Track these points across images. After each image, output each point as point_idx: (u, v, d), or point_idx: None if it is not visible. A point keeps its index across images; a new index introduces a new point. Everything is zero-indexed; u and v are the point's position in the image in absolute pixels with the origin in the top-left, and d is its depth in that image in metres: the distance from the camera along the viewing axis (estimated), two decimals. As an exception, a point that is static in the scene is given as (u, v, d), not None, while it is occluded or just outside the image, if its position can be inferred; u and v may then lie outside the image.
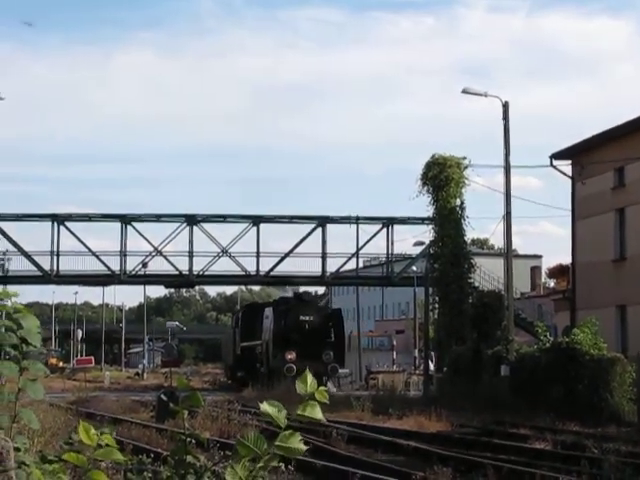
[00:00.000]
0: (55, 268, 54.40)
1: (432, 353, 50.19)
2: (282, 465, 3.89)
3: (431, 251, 50.33)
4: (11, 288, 5.01)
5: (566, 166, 45.15)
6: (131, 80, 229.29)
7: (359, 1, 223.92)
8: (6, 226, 55.04)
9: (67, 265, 54.92)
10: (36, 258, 54.46)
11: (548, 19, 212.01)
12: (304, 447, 3.72)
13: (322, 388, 3.71)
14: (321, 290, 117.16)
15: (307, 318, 53.52)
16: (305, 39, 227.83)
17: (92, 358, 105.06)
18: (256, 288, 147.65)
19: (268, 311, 56.67)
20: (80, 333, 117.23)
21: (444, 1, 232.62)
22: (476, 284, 49.83)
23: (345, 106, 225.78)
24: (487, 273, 52.91)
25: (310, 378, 3.73)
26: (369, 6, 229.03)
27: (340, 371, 54.25)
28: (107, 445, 4.18)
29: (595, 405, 31.98)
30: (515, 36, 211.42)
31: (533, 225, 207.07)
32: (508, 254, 41.54)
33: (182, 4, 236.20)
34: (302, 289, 63.51)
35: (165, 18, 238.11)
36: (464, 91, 41.29)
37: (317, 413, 3.66)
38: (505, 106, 40.53)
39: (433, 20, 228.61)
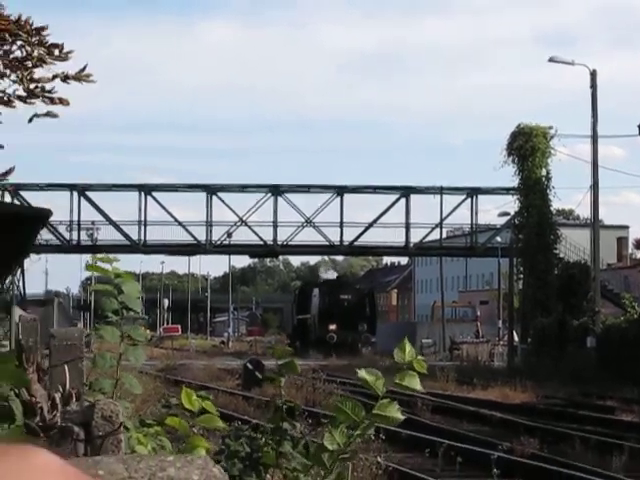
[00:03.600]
0: (142, 238, 55.13)
1: (517, 324, 49.93)
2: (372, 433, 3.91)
3: (516, 222, 50.07)
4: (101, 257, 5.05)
5: None
6: (216, 51, 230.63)
7: None
8: (95, 196, 55.92)
9: (154, 235, 55.66)
10: (124, 228, 55.26)
11: None
12: (401, 416, 3.70)
13: (420, 358, 3.70)
14: (404, 260, 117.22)
15: (345, 297, 65.84)
16: (387, 9, 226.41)
17: (179, 326, 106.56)
18: (339, 258, 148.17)
19: (315, 291, 68.74)
20: (167, 302, 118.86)
21: None
22: (561, 255, 49.36)
23: (426, 76, 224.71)
24: (572, 244, 52.35)
25: (409, 347, 3.70)
26: None
27: (424, 341, 56.52)
28: (207, 412, 4.22)
29: None
30: (600, 4, 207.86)
31: (617, 195, 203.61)
32: (595, 224, 41.05)
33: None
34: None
35: None
36: (551, 60, 40.80)
37: (415, 383, 3.64)
38: (593, 74, 39.98)
39: None
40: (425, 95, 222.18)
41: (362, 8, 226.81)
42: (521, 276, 49.44)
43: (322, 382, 28.51)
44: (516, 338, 48.93)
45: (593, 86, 39.98)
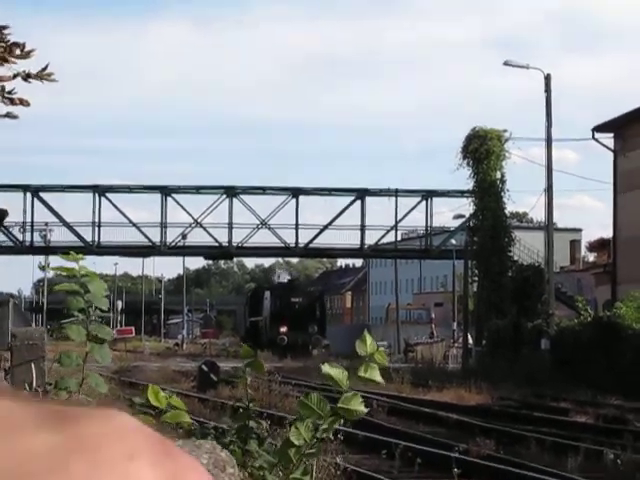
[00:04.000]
0: (96, 239, 54.76)
1: (471, 326, 50.14)
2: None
3: (471, 224, 50.28)
4: (54, 258, 5.01)
5: (608, 139, 44.79)
6: (166, 52, 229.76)
7: None
8: (48, 197, 55.46)
9: (108, 236, 55.30)
10: (78, 229, 54.86)
11: None
12: (365, 409, 3.71)
13: (381, 349, 3.71)
14: (359, 263, 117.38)
15: (296, 300, 67.47)
16: (337, 10, 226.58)
17: (132, 329, 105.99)
18: (294, 260, 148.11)
19: (267, 293, 70.56)
20: (120, 304, 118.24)
21: None
22: (516, 258, 49.61)
23: (379, 79, 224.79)
24: (526, 247, 52.64)
25: (370, 339, 3.71)
26: None
27: (378, 343, 56.44)
28: (175, 408, 4.19)
29: (637, 380, 31.78)
30: (551, 8, 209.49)
31: (571, 198, 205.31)
32: (549, 227, 41.37)
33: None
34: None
35: None
36: (506, 63, 41.07)
37: (376, 375, 3.66)
38: (547, 78, 40.28)
39: None
40: (376, 98, 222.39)
41: (308, 9, 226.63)
42: (476, 278, 49.65)
43: (278, 384, 28.47)
44: (470, 340, 49.14)
45: (547, 90, 40.28)
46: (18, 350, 4.84)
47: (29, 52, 8.42)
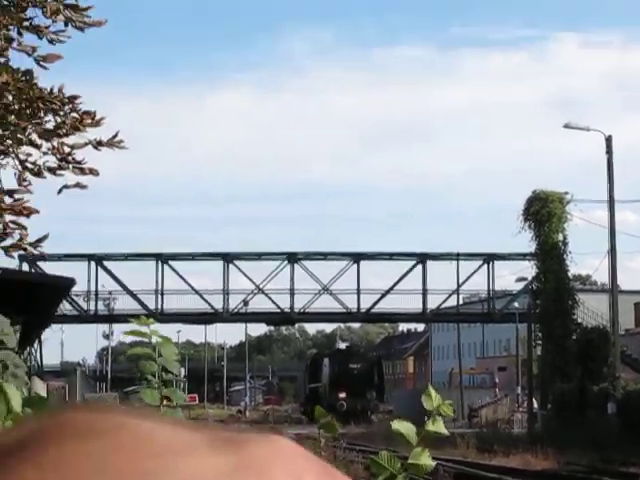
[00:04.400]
0: (159, 307, 55.27)
1: (536, 390, 49.68)
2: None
3: (533, 287, 50.04)
4: (118, 326, 5.05)
5: None
6: (228, 121, 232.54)
7: (448, 38, 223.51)
8: (112, 266, 56.19)
9: (171, 304, 55.80)
10: (141, 297, 55.46)
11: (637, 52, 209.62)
12: (433, 463, 3.76)
13: (447, 402, 3.75)
14: (421, 327, 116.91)
15: (355, 366, 68.46)
16: (396, 76, 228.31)
17: (196, 396, 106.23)
18: (356, 325, 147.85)
19: (326, 360, 71.73)
20: (183, 371, 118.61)
21: (535, 37, 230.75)
22: (579, 320, 49.21)
23: (437, 143, 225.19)
24: (590, 309, 52.20)
25: (434, 393, 3.76)
26: (458, 43, 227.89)
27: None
28: None
29: None
30: (609, 70, 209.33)
31: (633, 260, 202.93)
32: (613, 289, 41.04)
33: (274, 46, 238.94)
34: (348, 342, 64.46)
35: (258, 60, 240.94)
36: (566, 126, 41.12)
37: (442, 428, 3.70)
38: (608, 140, 40.21)
39: (524, 55, 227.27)
40: (436, 161, 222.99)
41: (372, 77, 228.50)
42: (539, 342, 49.28)
43: (342, 450, 28.38)
44: (535, 404, 48.67)
45: (609, 152, 40.20)
46: None
47: (99, 120, 8.72)
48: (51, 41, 8.60)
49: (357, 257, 56.87)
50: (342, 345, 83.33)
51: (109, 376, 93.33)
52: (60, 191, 8.33)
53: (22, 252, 8.61)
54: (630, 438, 33.99)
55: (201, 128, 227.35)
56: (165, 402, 4.82)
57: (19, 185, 8.30)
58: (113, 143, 8.23)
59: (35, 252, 8.55)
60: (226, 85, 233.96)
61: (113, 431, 0.55)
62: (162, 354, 4.72)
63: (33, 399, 5.66)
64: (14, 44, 8.64)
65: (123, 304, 56.01)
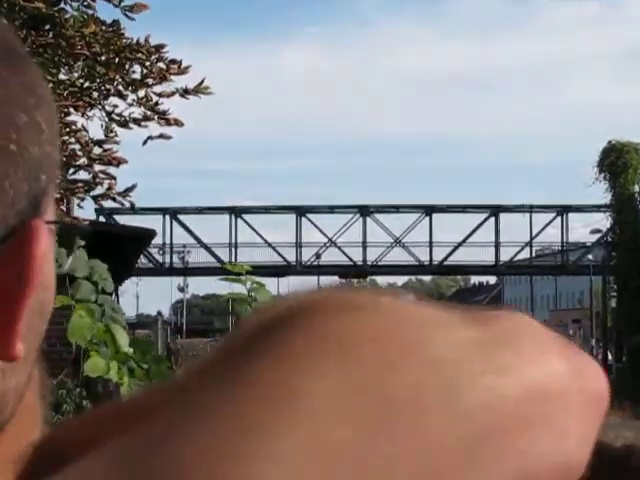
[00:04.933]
0: (233, 260, 55.63)
1: (610, 343, 49.45)
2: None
3: (608, 239, 49.64)
4: (192, 279, 5.16)
5: None
6: (297, 75, 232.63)
7: None
8: (186, 219, 56.71)
9: (244, 257, 56.10)
10: (215, 250, 55.91)
11: None
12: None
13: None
14: (493, 280, 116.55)
15: None
16: (466, 29, 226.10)
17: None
18: (427, 278, 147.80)
19: None
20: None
21: None
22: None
23: (508, 96, 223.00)
24: None
25: None
26: None
27: None
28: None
29: None
30: None
31: None
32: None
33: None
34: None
35: (328, 14, 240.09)
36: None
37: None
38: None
39: (597, 6, 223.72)
40: (510, 114, 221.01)
41: (441, 30, 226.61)
42: (614, 294, 48.97)
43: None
44: (610, 357, 48.41)
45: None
46: (184, 359, 4.95)
47: (186, 68, 8.77)
48: None
49: (429, 209, 56.75)
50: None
51: (184, 328, 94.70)
52: (145, 142, 8.41)
53: (111, 201, 8.74)
54: None
55: (270, 85, 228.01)
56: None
57: (106, 137, 8.39)
58: (200, 90, 8.31)
59: (124, 202, 8.66)
60: (300, 40, 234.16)
61: (372, 306, 0.55)
62: (257, 299, 4.82)
63: (138, 340, 5.78)
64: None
65: (197, 257, 56.58)
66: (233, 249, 56.19)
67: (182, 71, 8.47)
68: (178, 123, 8.33)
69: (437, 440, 0.51)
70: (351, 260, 56.71)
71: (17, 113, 0.59)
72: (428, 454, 0.50)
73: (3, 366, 0.62)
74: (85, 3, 8.50)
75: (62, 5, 8.32)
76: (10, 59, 0.58)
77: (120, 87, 8.21)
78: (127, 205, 8.77)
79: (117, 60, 8.03)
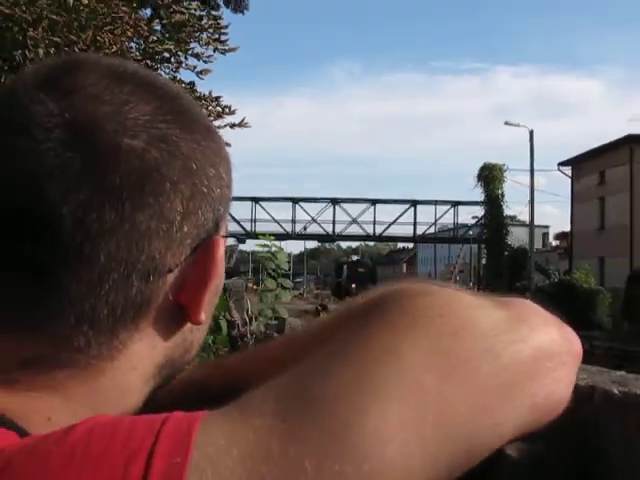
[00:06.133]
0: (253, 230, 54.96)
1: (482, 284, 49.94)
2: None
3: (482, 222, 50.36)
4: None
5: (568, 170, 44.93)
6: (293, 116, 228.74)
7: (430, 68, 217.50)
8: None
9: (260, 228, 54.84)
10: (242, 224, 55.51)
11: (548, 80, 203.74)
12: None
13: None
14: (411, 245, 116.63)
15: (360, 270, 70.01)
16: (399, 92, 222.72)
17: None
18: (371, 244, 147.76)
19: (345, 267, 74.06)
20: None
21: (482, 68, 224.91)
22: (510, 243, 49.61)
23: (423, 133, 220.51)
24: (516, 237, 52.29)
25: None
26: (437, 72, 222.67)
27: None
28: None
29: (585, 319, 31.93)
30: (529, 90, 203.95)
31: (542, 207, 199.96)
32: (531, 225, 41.96)
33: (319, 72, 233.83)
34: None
35: (310, 80, 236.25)
36: (506, 123, 41.43)
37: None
38: (531, 133, 40.71)
39: (477, 80, 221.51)
40: (425, 143, 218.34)
41: (381, 92, 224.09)
42: (484, 256, 49.82)
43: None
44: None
45: (531, 140, 40.73)
46: (233, 293, 5.14)
47: (234, 111, 8.82)
48: (205, 61, 8.63)
49: (374, 202, 56.95)
50: (354, 258, 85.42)
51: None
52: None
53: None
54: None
55: (276, 121, 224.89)
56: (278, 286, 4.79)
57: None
58: (242, 124, 8.34)
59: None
60: (291, 94, 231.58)
61: (439, 292, 0.58)
62: (277, 257, 4.91)
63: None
64: (183, 65, 8.66)
65: (229, 227, 55.70)
66: (253, 223, 56.03)
67: (231, 112, 8.44)
68: (228, 144, 9.07)
69: (486, 385, 0.52)
70: (325, 231, 56.93)
71: (208, 168, 0.61)
72: (481, 394, 0.52)
73: (192, 327, 0.63)
74: (173, 69, 8.49)
75: (158, 69, 8.23)
76: (207, 133, 0.63)
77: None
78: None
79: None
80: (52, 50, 6.21)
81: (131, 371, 0.58)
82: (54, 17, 6.06)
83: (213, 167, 0.61)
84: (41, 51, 6.10)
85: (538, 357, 0.56)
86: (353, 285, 65.66)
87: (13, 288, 0.54)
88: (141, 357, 0.58)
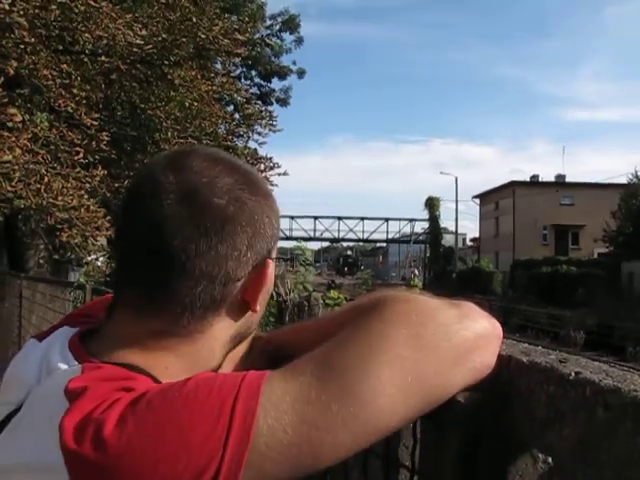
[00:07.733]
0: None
1: (427, 271, 48.73)
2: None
3: (428, 231, 49.97)
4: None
5: (477, 200, 45.14)
6: (308, 166, 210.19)
7: (395, 139, 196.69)
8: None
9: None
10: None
11: (462, 147, 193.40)
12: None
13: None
14: (384, 244, 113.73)
15: (350, 260, 69.64)
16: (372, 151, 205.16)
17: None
18: (360, 243, 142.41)
19: (341, 258, 72.23)
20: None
21: (423, 140, 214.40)
22: (443, 243, 48.91)
23: (394, 176, 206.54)
24: (447, 240, 51.16)
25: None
26: (401, 141, 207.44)
27: (392, 274, 55.11)
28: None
29: (486, 289, 30.57)
30: (453, 155, 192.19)
31: (462, 222, 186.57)
32: (456, 233, 42.83)
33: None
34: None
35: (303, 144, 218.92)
36: (441, 172, 42.98)
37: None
38: (456, 179, 41.76)
39: (423, 148, 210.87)
40: (396, 183, 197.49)
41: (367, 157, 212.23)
42: (429, 251, 49.91)
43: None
44: (426, 276, 48.20)
45: (456, 182, 41.77)
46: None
47: (279, 165, 8.36)
48: (263, 136, 8.23)
49: (362, 218, 55.18)
50: (348, 252, 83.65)
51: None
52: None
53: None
54: (466, 291, 33.56)
55: (298, 168, 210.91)
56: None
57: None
58: (284, 174, 7.94)
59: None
60: (310, 152, 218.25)
61: (414, 298, 0.54)
62: (305, 252, 4.57)
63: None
64: (251, 139, 8.33)
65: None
66: (290, 231, 48.37)
67: (277, 166, 8.04)
68: (277, 186, 7.68)
69: (444, 356, 0.50)
70: (333, 236, 53.40)
71: (265, 218, 0.57)
72: (441, 362, 0.50)
73: (252, 313, 0.59)
74: (245, 141, 8.15)
75: (235, 142, 8.05)
76: (266, 195, 0.58)
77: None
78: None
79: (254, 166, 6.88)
80: (175, 133, 6.66)
81: (215, 340, 0.57)
82: (178, 114, 6.48)
83: (268, 217, 0.58)
84: (169, 133, 6.53)
85: (476, 338, 0.53)
86: (346, 268, 68.77)
87: (145, 290, 0.55)
88: (221, 331, 0.57)
